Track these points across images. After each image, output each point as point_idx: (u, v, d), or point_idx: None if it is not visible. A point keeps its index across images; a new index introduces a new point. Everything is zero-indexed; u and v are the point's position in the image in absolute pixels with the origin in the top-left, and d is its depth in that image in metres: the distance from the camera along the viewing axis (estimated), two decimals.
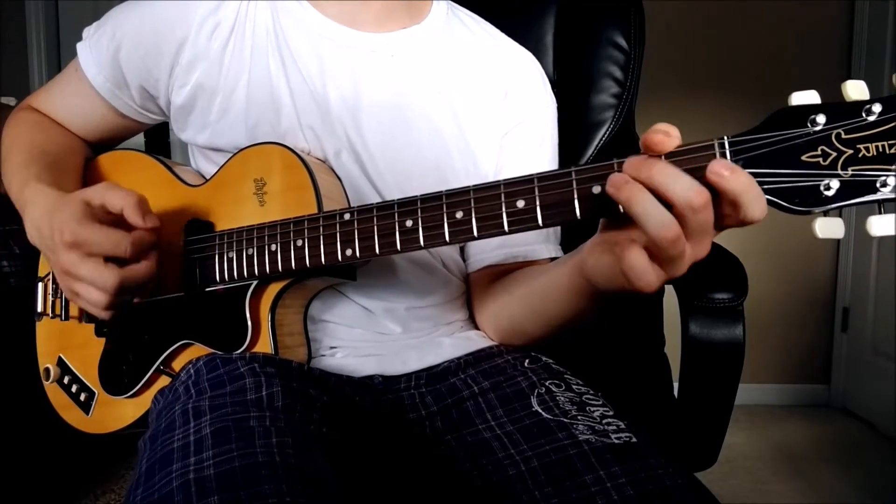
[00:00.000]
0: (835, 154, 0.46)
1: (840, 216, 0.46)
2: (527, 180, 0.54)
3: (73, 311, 0.81)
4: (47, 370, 0.82)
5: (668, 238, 0.47)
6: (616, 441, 0.59)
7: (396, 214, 0.60)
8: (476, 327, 0.84)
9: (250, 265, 0.68)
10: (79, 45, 0.80)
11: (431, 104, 0.78)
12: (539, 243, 0.80)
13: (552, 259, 0.81)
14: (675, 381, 0.88)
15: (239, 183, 0.72)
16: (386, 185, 0.76)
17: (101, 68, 0.78)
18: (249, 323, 0.68)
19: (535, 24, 1.10)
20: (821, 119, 0.46)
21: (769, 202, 0.48)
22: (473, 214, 0.56)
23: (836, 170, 0.46)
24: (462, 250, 0.84)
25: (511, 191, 0.55)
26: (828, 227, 0.48)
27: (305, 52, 0.75)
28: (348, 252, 0.63)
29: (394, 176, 0.76)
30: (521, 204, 0.54)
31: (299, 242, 0.65)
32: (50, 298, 0.83)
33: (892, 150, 0.45)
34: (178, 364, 0.74)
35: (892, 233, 0.46)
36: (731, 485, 1.86)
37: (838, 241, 2.46)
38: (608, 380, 0.78)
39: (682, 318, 0.84)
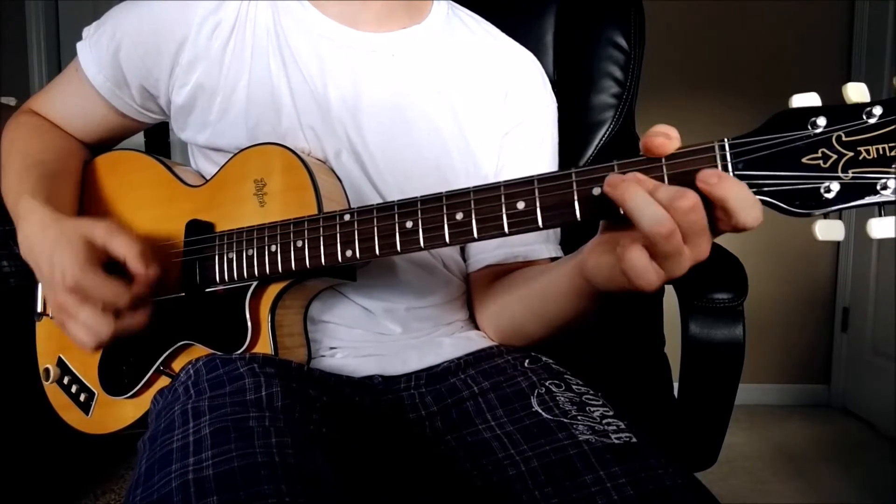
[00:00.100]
0: (835, 156, 0.46)
1: (840, 218, 0.46)
2: (527, 182, 0.55)
3: None
4: (47, 370, 0.82)
5: (662, 234, 0.47)
6: (616, 441, 0.59)
7: (396, 215, 0.60)
8: (476, 327, 0.84)
9: (250, 266, 0.68)
10: (79, 45, 0.80)
11: (432, 104, 0.78)
12: (539, 243, 0.80)
13: (552, 259, 0.81)
14: (675, 381, 0.88)
15: (239, 183, 0.72)
16: (386, 185, 0.76)
17: (102, 68, 0.78)
18: (249, 324, 0.68)
19: (535, 24, 1.10)
20: (821, 121, 0.46)
21: (769, 204, 0.48)
22: (473, 216, 0.56)
23: (837, 172, 0.46)
24: (462, 250, 0.84)
25: (511, 192, 0.55)
26: (828, 230, 0.48)
27: (306, 52, 0.75)
28: (348, 253, 0.63)
29: (394, 176, 0.76)
30: (521, 205, 0.54)
31: (299, 243, 0.65)
32: None
33: (893, 153, 0.45)
34: (177, 365, 0.74)
35: (893, 235, 0.46)
36: (731, 485, 1.86)
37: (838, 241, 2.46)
38: (608, 380, 0.78)
39: (682, 318, 0.84)
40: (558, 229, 0.85)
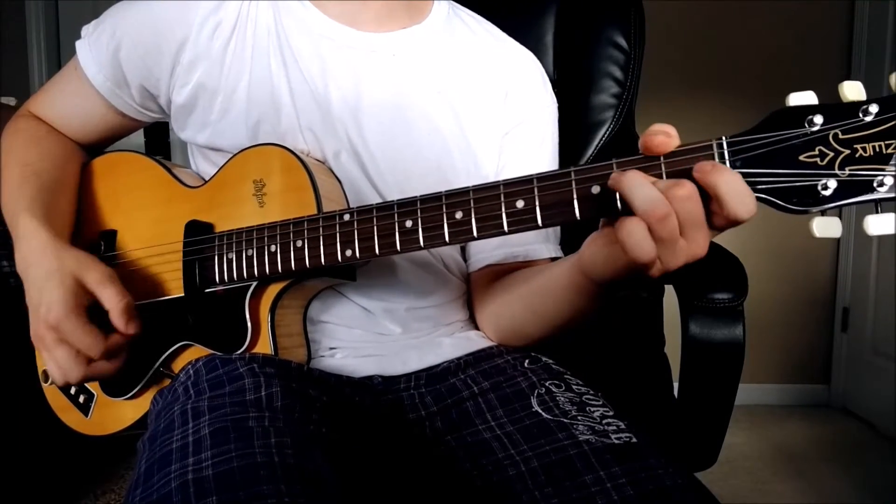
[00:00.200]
0: (832, 154, 0.46)
1: (840, 216, 0.46)
2: (526, 181, 0.55)
3: None
4: (45, 372, 0.82)
5: (657, 215, 0.47)
6: (616, 441, 0.59)
7: (396, 215, 0.60)
8: (476, 327, 0.83)
9: (250, 266, 0.68)
10: (78, 44, 0.79)
11: (432, 104, 0.78)
12: (539, 243, 0.80)
13: (552, 259, 0.81)
14: (675, 381, 0.88)
15: (238, 184, 0.72)
16: (386, 185, 0.76)
17: (101, 67, 0.78)
18: (249, 324, 0.68)
19: (535, 24, 1.10)
20: (818, 119, 0.47)
21: (767, 202, 0.49)
22: (473, 215, 0.56)
23: (834, 170, 0.46)
24: (462, 250, 0.84)
25: (510, 191, 0.55)
26: (825, 227, 0.48)
27: (307, 52, 0.75)
28: (348, 253, 0.63)
29: (394, 176, 0.76)
30: (520, 204, 0.55)
31: (299, 243, 0.65)
32: None
33: (889, 150, 0.45)
34: (177, 365, 0.74)
35: (890, 232, 0.47)
36: (731, 485, 1.86)
37: (838, 241, 2.46)
38: (608, 380, 0.78)
39: (682, 318, 0.84)
40: (558, 230, 0.85)
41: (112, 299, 0.67)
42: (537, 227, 0.54)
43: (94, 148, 0.86)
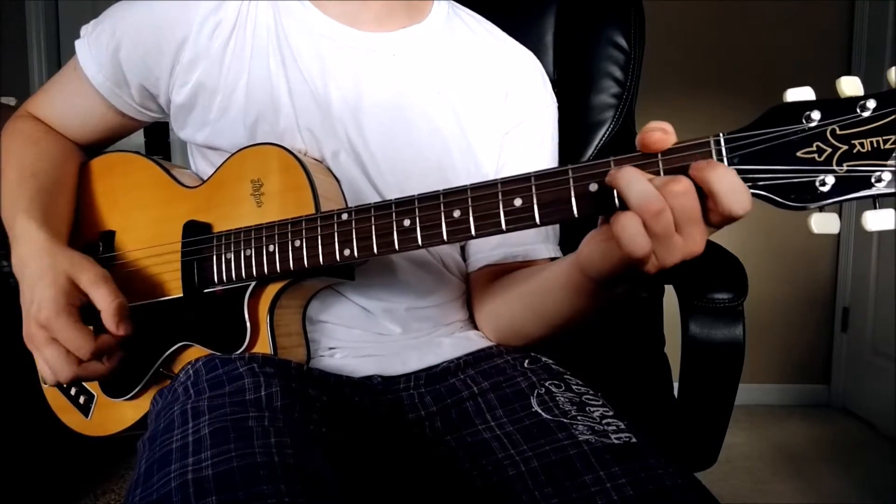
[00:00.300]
0: (830, 150, 0.46)
1: (840, 213, 0.46)
2: (524, 178, 0.55)
3: None
4: None
5: (652, 210, 0.47)
6: (616, 441, 0.59)
7: (394, 214, 0.60)
8: (476, 327, 0.83)
9: (248, 266, 0.68)
10: (77, 44, 0.79)
11: (432, 104, 0.78)
12: (538, 243, 0.80)
13: (552, 259, 0.81)
14: (675, 381, 0.87)
15: (236, 184, 0.72)
16: (386, 184, 0.76)
17: (101, 67, 0.78)
18: (248, 324, 0.68)
19: (535, 23, 1.10)
20: (816, 115, 0.47)
21: (765, 198, 0.49)
22: (471, 213, 0.56)
23: (832, 165, 0.46)
24: (462, 250, 0.84)
25: (508, 189, 0.55)
26: (823, 223, 0.48)
27: (307, 51, 0.75)
28: (346, 252, 0.63)
29: (394, 176, 0.76)
30: (518, 202, 0.54)
31: (297, 243, 0.65)
32: None
33: (887, 146, 0.45)
34: (177, 366, 0.74)
35: (888, 227, 0.47)
36: (731, 485, 1.86)
37: (838, 241, 2.46)
38: (608, 380, 0.78)
39: (682, 318, 0.84)
40: (558, 230, 0.85)
41: (105, 299, 0.67)
42: (535, 226, 0.54)
43: (93, 148, 0.86)
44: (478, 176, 0.79)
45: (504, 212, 0.55)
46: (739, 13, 2.40)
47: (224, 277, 0.70)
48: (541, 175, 0.54)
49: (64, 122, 0.84)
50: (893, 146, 0.45)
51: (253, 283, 0.69)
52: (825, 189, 0.46)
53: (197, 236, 0.72)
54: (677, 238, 0.49)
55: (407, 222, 0.59)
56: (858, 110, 0.46)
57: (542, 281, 0.71)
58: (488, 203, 0.56)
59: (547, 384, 0.70)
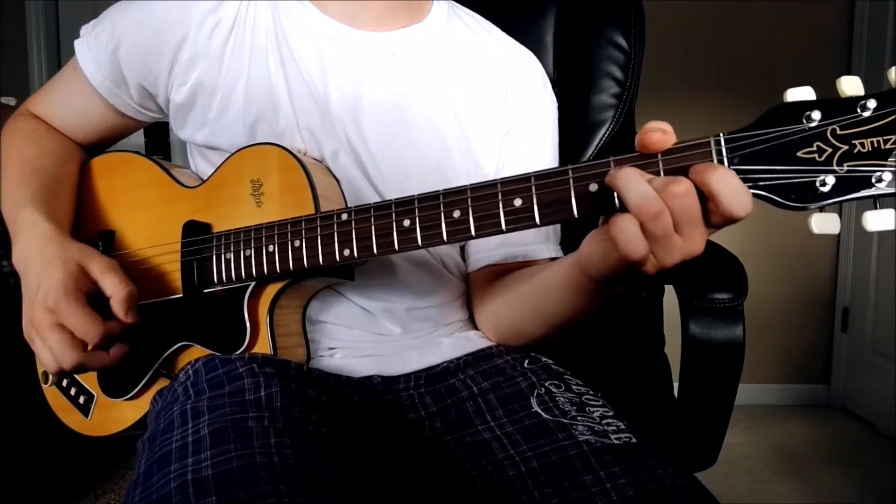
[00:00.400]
0: (830, 150, 0.46)
1: (840, 213, 0.46)
2: (524, 179, 0.55)
3: None
4: (45, 373, 0.82)
5: (650, 212, 0.47)
6: (616, 441, 0.59)
7: (394, 214, 0.60)
8: (476, 327, 0.83)
9: (248, 266, 0.68)
10: (77, 43, 0.79)
11: (432, 103, 0.78)
12: (538, 243, 0.80)
13: (552, 259, 0.81)
14: (675, 381, 0.87)
15: (236, 184, 0.72)
16: (386, 184, 0.76)
17: (101, 67, 0.78)
18: (248, 324, 0.68)
19: (535, 24, 1.10)
20: (816, 115, 0.47)
21: (765, 198, 0.48)
22: (471, 213, 0.56)
23: (832, 165, 0.46)
24: (462, 250, 0.84)
25: (508, 189, 0.55)
26: (823, 223, 0.48)
27: (306, 51, 0.75)
28: (346, 252, 0.63)
29: (394, 175, 0.76)
30: (518, 202, 0.54)
31: (297, 243, 0.65)
32: None
33: (888, 146, 0.45)
34: (177, 366, 0.74)
35: (888, 227, 0.46)
36: (731, 485, 1.86)
37: (838, 241, 2.46)
38: (608, 380, 0.78)
39: (682, 318, 0.84)
40: (559, 230, 0.85)
41: (115, 286, 0.67)
42: (535, 226, 0.54)
43: (93, 148, 0.86)
44: (478, 176, 0.79)
45: (504, 212, 0.55)
46: (739, 13, 2.40)
47: (224, 277, 0.70)
48: (541, 175, 0.54)
49: (64, 122, 0.84)
50: (894, 146, 0.45)
51: (253, 284, 0.69)
52: (825, 189, 0.46)
53: (196, 236, 0.72)
54: (677, 239, 0.49)
55: (407, 222, 0.59)
56: (859, 110, 0.46)
57: (542, 281, 0.71)
58: (488, 203, 0.56)
59: (547, 384, 0.70)
